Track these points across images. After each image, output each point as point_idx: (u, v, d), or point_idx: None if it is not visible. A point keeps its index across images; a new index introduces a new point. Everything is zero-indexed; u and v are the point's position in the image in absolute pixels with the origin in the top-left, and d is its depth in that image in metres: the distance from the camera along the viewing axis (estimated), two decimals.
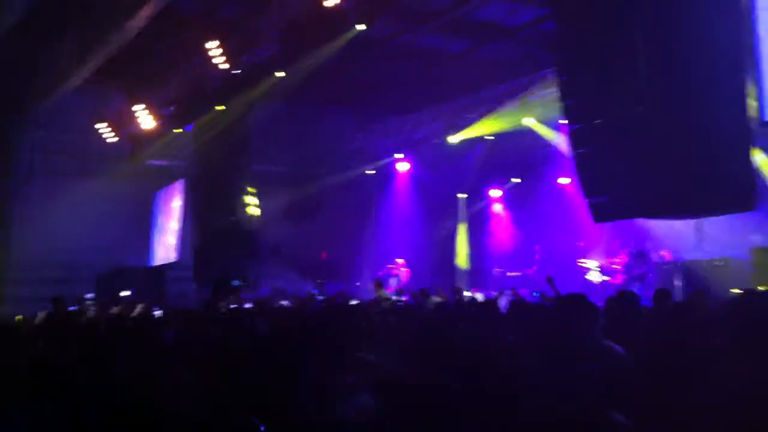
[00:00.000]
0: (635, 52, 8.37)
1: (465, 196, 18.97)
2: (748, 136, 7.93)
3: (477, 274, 17.94)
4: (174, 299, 15.77)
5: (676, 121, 8.14)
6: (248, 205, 16.18)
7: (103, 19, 12.20)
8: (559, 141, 15.06)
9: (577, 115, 9.00)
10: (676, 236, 14.34)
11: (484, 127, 16.36)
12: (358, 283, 17.66)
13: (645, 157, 8.42)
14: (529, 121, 15.45)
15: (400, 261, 17.46)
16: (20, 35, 12.84)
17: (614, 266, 15.55)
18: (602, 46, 8.75)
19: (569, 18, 9.24)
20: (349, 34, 11.87)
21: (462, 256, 18.79)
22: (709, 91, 7.95)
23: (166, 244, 20.31)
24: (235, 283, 15.20)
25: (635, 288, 13.15)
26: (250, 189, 16.02)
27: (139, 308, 10.55)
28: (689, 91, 8.06)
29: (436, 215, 18.85)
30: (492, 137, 16.88)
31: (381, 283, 13.96)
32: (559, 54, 9.36)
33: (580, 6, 9.09)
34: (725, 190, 8.07)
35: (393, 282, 17.06)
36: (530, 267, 17.17)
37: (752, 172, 7.95)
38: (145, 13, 11.30)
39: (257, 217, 16.45)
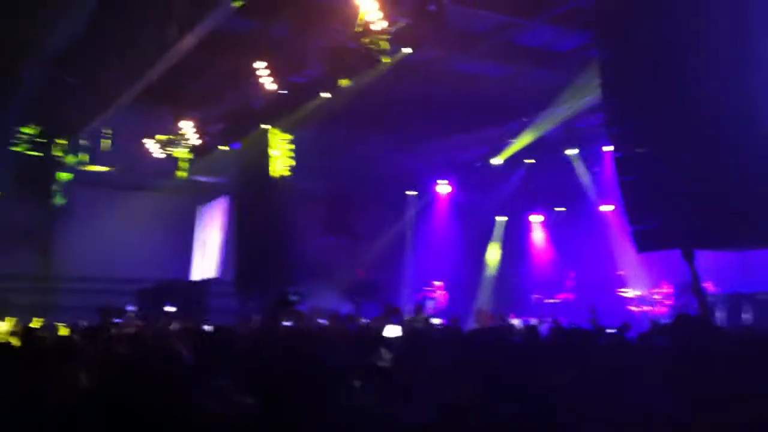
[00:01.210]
0: (680, 79, 8.33)
1: (505, 219, 18.87)
2: None
3: (515, 300, 17.82)
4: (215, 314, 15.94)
5: (726, 152, 8.05)
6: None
7: (149, 44, 12.50)
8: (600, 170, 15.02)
9: (622, 142, 8.95)
10: (721, 268, 14.09)
11: (528, 152, 16.39)
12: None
13: (691, 187, 8.34)
14: (572, 152, 15.49)
15: (438, 284, 17.42)
16: (68, 60, 13.25)
17: (656, 296, 15.32)
18: (646, 73, 8.72)
19: (612, 44, 9.23)
20: (395, 58, 11.96)
21: (491, 268, 18.69)
22: (755, 122, 7.87)
23: (208, 259, 20.58)
24: (293, 298, 15.22)
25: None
26: None
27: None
28: (739, 124, 7.98)
29: (476, 239, 18.80)
30: (534, 162, 16.85)
31: (420, 308, 13.95)
32: (603, 80, 9.33)
33: (622, 32, 9.07)
34: None
35: (430, 304, 17.02)
36: (566, 293, 17.01)
37: None
38: (189, 41, 11.56)
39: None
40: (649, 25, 8.72)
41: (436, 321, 13.43)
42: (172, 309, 15.34)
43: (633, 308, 15.77)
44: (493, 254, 18.87)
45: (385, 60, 11.85)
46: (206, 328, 10.75)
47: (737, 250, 10.66)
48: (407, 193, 19.37)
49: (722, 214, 8.08)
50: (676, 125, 8.44)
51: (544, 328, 9.86)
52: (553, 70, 12.70)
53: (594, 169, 16.16)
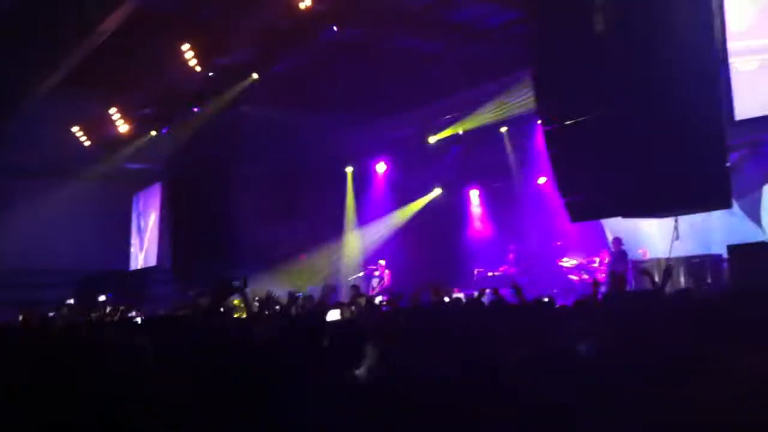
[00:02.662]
0: (606, 51, 8.40)
1: (440, 190, 18.91)
2: (723, 134, 7.97)
3: (456, 274, 17.92)
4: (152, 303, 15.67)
5: (650, 119, 8.16)
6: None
7: (71, 26, 12.08)
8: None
9: (550, 115, 9.02)
10: (654, 235, 14.40)
11: (462, 128, 16.45)
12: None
13: (620, 156, 8.45)
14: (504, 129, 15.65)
15: (382, 262, 17.40)
16: None
17: (594, 265, 15.61)
18: (573, 46, 8.77)
19: (539, 19, 9.27)
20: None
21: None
22: (683, 90, 7.98)
23: (145, 247, 20.20)
24: (236, 283, 14.96)
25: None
26: None
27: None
28: (663, 89, 8.09)
29: (414, 216, 18.81)
30: (468, 137, 16.94)
31: (358, 288, 13.91)
32: (531, 55, 9.38)
33: (550, 5, 9.10)
34: (701, 188, 8.11)
35: (375, 283, 17.00)
36: (507, 266, 17.18)
37: (727, 170, 7.99)
38: (112, 21, 11.20)
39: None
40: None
41: (378, 299, 13.45)
42: (104, 298, 14.98)
43: (573, 277, 16.05)
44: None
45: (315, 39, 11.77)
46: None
47: (665, 216, 10.86)
48: (346, 171, 19.25)
49: (647, 181, 8.22)
50: (598, 96, 8.53)
51: (485, 299, 9.91)
52: (486, 45, 12.73)
53: (528, 143, 16.29)
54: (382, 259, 17.51)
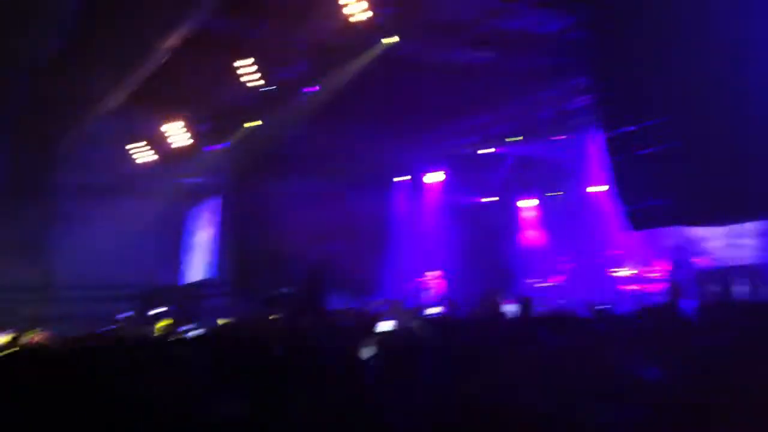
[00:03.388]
0: (668, 58, 8.35)
1: (496, 198, 18.87)
2: None
3: (508, 284, 17.86)
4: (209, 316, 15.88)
5: (711, 129, 8.10)
6: None
7: (132, 47, 12.44)
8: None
9: (611, 123, 9.00)
10: (714, 243, 14.18)
11: (516, 139, 16.44)
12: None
13: (681, 165, 8.39)
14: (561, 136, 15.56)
15: (433, 273, 17.39)
16: (52, 69, 13.14)
17: (650, 275, 15.38)
18: (635, 52, 8.74)
19: (600, 23, 9.25)
20: (378, 49, 11.96)
21: None
22: (743, 99, 7.91)
23: (201, 261, 20.50)
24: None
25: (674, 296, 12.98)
26: None
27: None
28: (723, 99, 8.03)
29: (468, 226, 18.79)
30: (523, 147, 16.91)
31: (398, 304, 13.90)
32: (590, 61, 9.37)
33: (611, 10, 9.08)
34: (762, 196, 8.00)
35: (427, 294, 17.01)
36: (559, 276, 17.05)
37: None
38: (172, 42, 11.50)
39: None
40: (639, 3, 8.74)
41: (435, 310, 13.46)
42: (162, 311, 15.21)
43: (624, 287, 15.84)
44: None
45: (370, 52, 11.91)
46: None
47: (727, 224, 10.72)
48: (396, 180, 19.33)
49: (709, 189, 8.14)
50: (665, 105, 8.48)
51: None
52: (539, 54, 12.72)
53: (583, 151, 16.18)
54: (435, 269, 17.52)
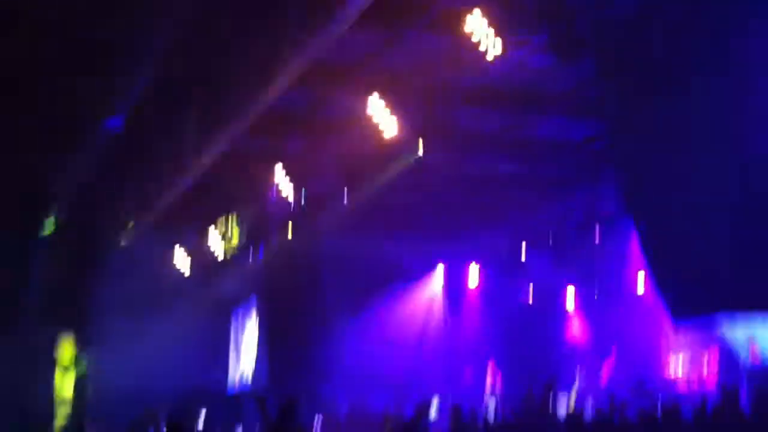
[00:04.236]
0: (684, 154, 8.33)
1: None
2: None
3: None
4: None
5: (742, 213, 7.98)
6: None
7: (166, 167, 12.83)
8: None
9: (640, 216, 8.94)
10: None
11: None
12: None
13: (715, 250, 8.22)
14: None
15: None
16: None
17: (701, 374, 14.82)
18: (654, 152, 8.75)
19: (618, 131, 9.30)
20: (407, 161, 12.13)
21: None
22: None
23: (244, 365, 20.48)
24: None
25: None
26: None
27: None
28: (752, 186, 7.92)
29: (510, 326, 18.59)
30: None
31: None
32: (615, 164, 9.39)
33: (626, 119, 9.14)
34: None
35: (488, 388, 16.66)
36: (608, 370, 16.60)
37: None
38: (205, 161, 11.83)
39: None
40: (652, 109, 8.78)
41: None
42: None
43: (679, 385, 15.27)
44: None
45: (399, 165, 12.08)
46: None
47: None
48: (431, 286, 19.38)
49: (745, 274, 7.93)
50: (687, 193, 8.41)
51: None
52: (564, 162, 12.80)
53: (623, 248, 16.01)
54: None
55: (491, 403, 13.68)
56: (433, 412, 8.18)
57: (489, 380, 16.65)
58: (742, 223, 8.02)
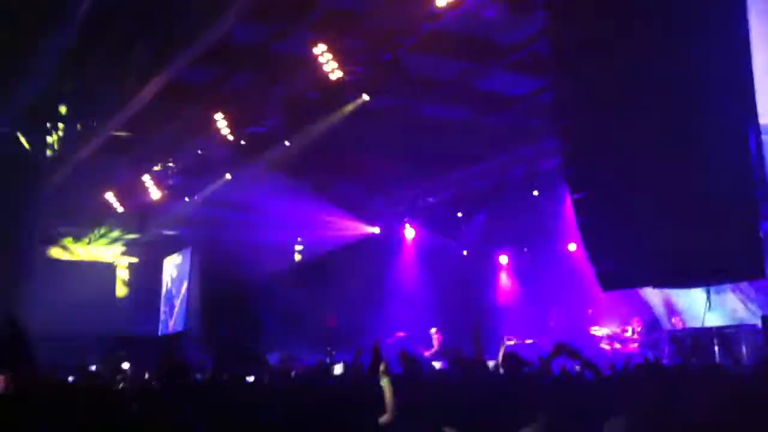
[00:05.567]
0: (631, 118, 8.38)
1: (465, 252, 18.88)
2: (755, 202, 7.81)
3: (488, 343, 17.67)
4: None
5: (681, 187, 8.08)
6: None
7: (108, 97, 12.44)
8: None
9: (579, 183, 8.97)
10: (688, 304, 14.11)
11: (489, 195, 16.50)
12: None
13: (650, 225, 8.34)
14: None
15: (433, 330, 17.11)
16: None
17: (626, 334, 15.28)
18: (598, 114, 8.79)
19: (566, 86, 9.30)
20: (353, 105, 12.03)
21: None
22: (714, 157, 7.90)
23: (175, 313, 20.27)
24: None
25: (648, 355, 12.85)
26: None
27: None
28: (694, 156, 8.02)
29: (445, 281, 18.68)
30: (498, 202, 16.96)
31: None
32: (558, 123, 9.40)
33: (576, 74, 9.14)
34: (734, 258, 7.94)
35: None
36: (543, 335, 16.88)
37: (760, 239, 7.82)
38: (149, 91, 11.49)
39: None
40: (601, 66, 8.79)
41: (436, 365, 13.34)
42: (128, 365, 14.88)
43: (605, 346, 15.69)
44: None
45: (346, 108, 11.97)
46: None
47: (697, 286, 10.66)
48: (369, 230, 19.29)
49: (678, 250, 8.08)
50: (627, 164, 8.48)
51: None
52: (512, 113, 12.85)
53: (558, 209, 16.20)
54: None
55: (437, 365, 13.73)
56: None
57: (435, 345, 16.72)
58: (677, 202, 8.12)
